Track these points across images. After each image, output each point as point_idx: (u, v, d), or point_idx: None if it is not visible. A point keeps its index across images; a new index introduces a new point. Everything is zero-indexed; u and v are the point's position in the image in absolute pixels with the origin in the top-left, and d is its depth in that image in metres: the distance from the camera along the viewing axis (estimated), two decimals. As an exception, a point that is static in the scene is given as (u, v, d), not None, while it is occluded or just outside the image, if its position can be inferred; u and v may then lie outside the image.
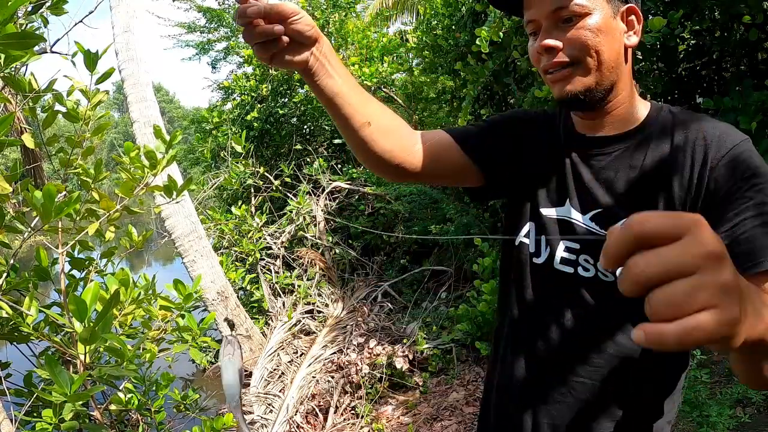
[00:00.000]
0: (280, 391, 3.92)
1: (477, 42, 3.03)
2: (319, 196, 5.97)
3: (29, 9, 1.60)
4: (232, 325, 0.93)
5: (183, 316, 1.78)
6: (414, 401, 3.54)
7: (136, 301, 1.63)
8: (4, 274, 1.50)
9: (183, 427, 2.66)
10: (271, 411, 3.71)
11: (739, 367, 0.64)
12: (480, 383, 3.53)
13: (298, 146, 6.56)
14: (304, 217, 5.77)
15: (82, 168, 1.66)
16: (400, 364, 3.74)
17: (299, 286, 5.17)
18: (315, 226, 5.77)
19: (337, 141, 6.82)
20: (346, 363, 3.92)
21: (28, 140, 1.63)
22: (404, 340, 4.05)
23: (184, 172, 9.45)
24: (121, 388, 1.83)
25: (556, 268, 0.91)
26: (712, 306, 0.37)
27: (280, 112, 6.57)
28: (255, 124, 6.45)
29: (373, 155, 0.90)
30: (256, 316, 5.17)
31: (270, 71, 6.50)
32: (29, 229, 1.51)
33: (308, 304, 5.09)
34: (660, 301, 0.37)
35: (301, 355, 4.38)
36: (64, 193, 1.65)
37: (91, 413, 1.69)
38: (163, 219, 4.55)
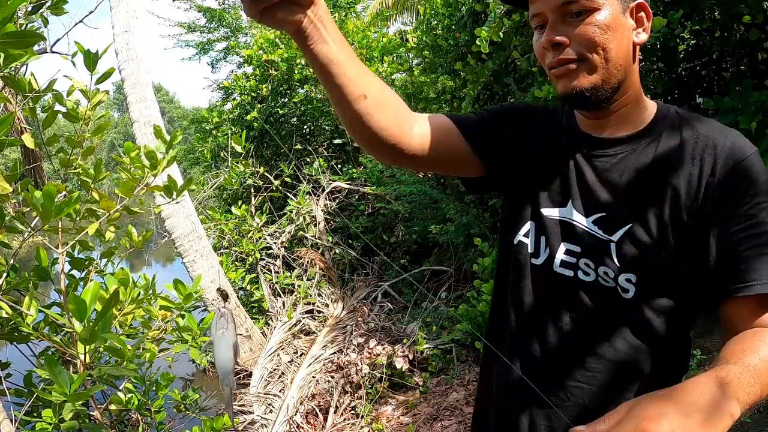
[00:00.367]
0: (280, 391, 3.92)
1: (477, 42, 3.03)
2: (319, 196, 5.97)
3: (29, 9, 1.60)
4: (225, 296, 0.90)
5: (183, 316, 1.78)
6: (414, 401, 3.54)
7: (136, 301, 1.63)
8: (4, 274, 1.50)
9: (183, 427, 2.66)
10: (271, 411, 3.71)
11: None
12: (480, 383, 3.52)
13: (298, 146, 6.57)
14: (304, 217, 5.77)
15: (82, 168, 1.66)
16: (400, 364, 3.74)
17: (299, 286, 5.17)
18: (315, 226, 5.77)
19: (337, 141, 6.82)
20: (346, 363, 3.92)
21: (28, 140, 1.63)
22: (404, 340, 4.05)
23: (184, 172, 9.45)
24: (121, 388, 1.83)
25: (555, 271, 0.89)
26: None
27: (280, 112, 6.57)
28: (255, 124, 6.45)
29: (368, 131, 0.84)
30: (256, 316, 5.17)
31: (270, 71, 6.51)
32: (29, 229, 1.51)
33: (308, 304, 5.09)
34: None
35: (301, 355, 4.38)
36: (64, 193, 1.65)
37: (91, 413, 1.69)
38: (163, 219, 4.55)
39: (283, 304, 5.15)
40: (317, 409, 3.65)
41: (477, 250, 4.08)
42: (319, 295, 5.17)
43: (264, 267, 5.55)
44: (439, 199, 5.32)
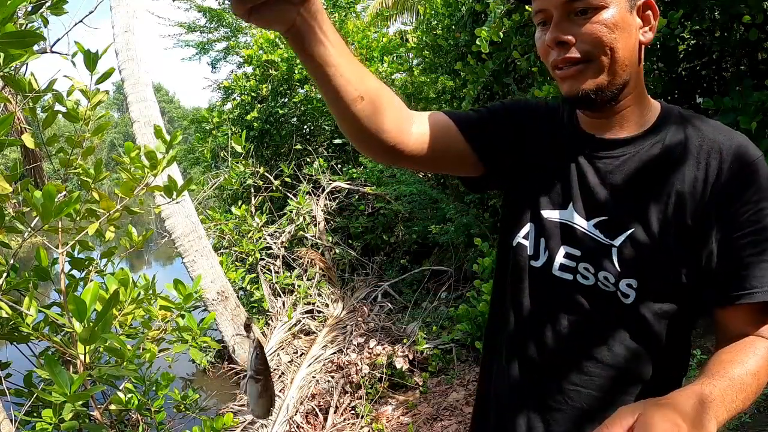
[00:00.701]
0: (280, 391, 3.92)
1: (477, 42, 3.03)
2: (319, 196, 5.98)
3: (29, 9, 1.60)
4: (248, 328, 0.89)
5: (183, 316, 1.78)
6: (414, 401, 3.54)
7: (136, 301, 1.63)
8: (4, 274, 1.50)
9: (183, 427, 2.66)
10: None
11: None
12: (480, 383, 3.52)
13: (298, 146, 6.57)
14: (304, 217, 5.77)
15: (82, 168, 1.66)
16: (400, 364, 3.74)
17: (299, 286, 5.17)
18: (315, 226, 5.77)
19: (337, 141, 6.82)
20: (346, 363, 3.92)
21: (28, 140, 1.63)
22: (404, 340, 4.05)
23: (184, 172, 9.45)
24: (121, 388, 1.83)
25: (554, 274, 0.88)
26: None
27: (280, 112, 6.57)
28: (255, 124, 6.45)
29: (366, 134, 0.81)
30: (256, 316, 5.17)
31: (270, 71, 6.51)
32: (29, 229, 1.51)
33: (308, 304, 5.09)
34: None
35: (301, 355, 4.38)
36: (64, 193, 1.65)
37: (91, 413, 1.69)
38: (163, 219, 4.55)
39: (283, 304, 5.15)
40: (317, 409, 3.65)
41: (477, 250, 4.08)
42: (319, 295, 5.17)
43: (264, 267, 5.55)
44: (439, 199, 5.32)
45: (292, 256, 5.57)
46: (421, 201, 5.40)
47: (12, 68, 1.28)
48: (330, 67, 0.72)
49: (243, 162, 6.22)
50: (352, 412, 3.57)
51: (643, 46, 0.81)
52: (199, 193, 6.42)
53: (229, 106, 7.17)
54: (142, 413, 1.87)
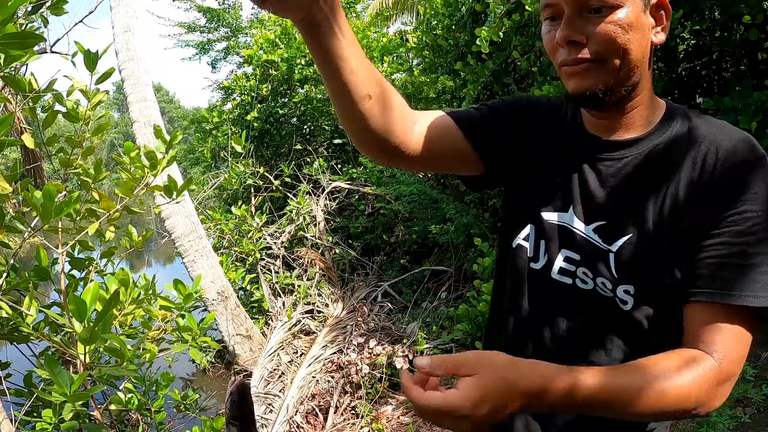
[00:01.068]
0: (280, 391, 3.92)
1: (477, 42, 3.03)
2: (319, 196, 5.98)
3: (29, 9, 1.60)
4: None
5: (183, 316, 1.78)
6: (414, 401, 3.54)
7: (136, 301, 1.63)
8: (4, 274, 1.50)
9: (183, 427, 2.66)
10: (271, 411, 3.71)
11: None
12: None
13: (298, 146, 6.57)
14: (304, 217, 5.77)
15: (82, 168, 1.66)
16: (400, 364, 3.74)
17: (299, 286, 5.17)
18: (315, 226, 5.77)
19: (337, 141, 6.82)
20: (346, 363, 3.92)
21: (28, 140, 1.63)
22: (404, 340, 4.05)
23: (184, 172, 9.45)
24: (121, 388, 1.83)
25: (553, 278, 0.87)
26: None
27: (280, 112, 6.57)
28: (255, 124, 6.45)
29: (371, 133, 0.80)
30: (256, 316, 5.17)
31: (270, 71, 6.51)
32: (29, 229, 1.51)
33: (308, 304, 5.09)
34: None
35: (301, 355, 4.38)
36: (64, 193, 1.65)
37: (91, 413, 1.69)
38: (163, 219, 4.55)
39: (283, 304, 5.15)
40: (317, 409, 3.65)
41: (477, 250, 4.08)
42: (319, 295, 5.17)
43: (264, 267, 5.55)
44: (439, 199, 5.32)
45: (292, 256, 5.57)
46: (421, 201, 5.40)
47: (12, 68, 1.28)
48: (341, 60, 0.71)
49: (243, 162, 6.22)
50: (352, 412, 3.57)
51: (653, 47, 0.79)
52: (199, 193, 6.42)
53: (229, 106, 7.17)
54: (142, 413, 1.87)
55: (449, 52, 4.22)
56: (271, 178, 6.27)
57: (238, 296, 4.97)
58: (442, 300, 4.73)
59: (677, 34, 2.55)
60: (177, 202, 3.39)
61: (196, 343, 1.78)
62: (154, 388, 1.87)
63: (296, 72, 6.32)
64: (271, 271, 5.49)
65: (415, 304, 4.80)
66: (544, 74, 3.06)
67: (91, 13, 4.28)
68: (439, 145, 0.88)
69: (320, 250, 5.57)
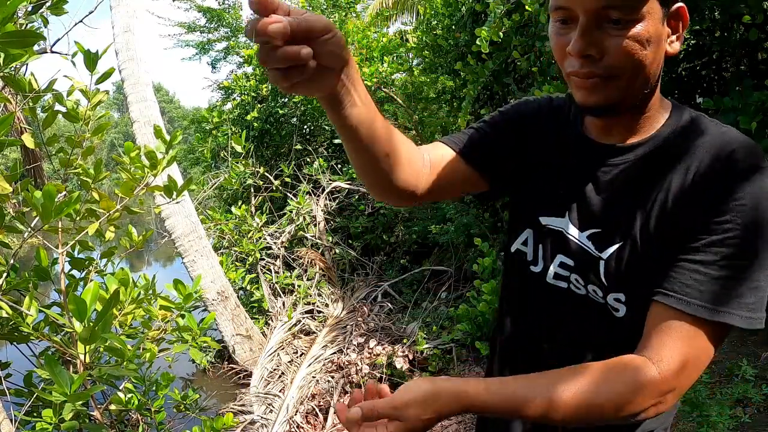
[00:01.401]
0: (280, 391, 3.92)
1: (477, 42, 3.02)
2: (319, 196, 5.97)
3: (29, 9, 1.60)
4: None
5: (183, 316, 1.78)
6: (414, 401, 3.54)
7: (136, 301, 1.63)
8: (4, 274, 1.50)
9: (183, 427, 2.67)
10: (271, 411, 3.71)
11: None
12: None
13: (298, 146, 6.57)
14: (304, 217, 5.77)
15: (82, 168, 1.66)
16: (400, 364, 3.74)
17: (299, 286, 5.17)
18: (315, 226, 5.77)
19: (337, 141, 6.81)
20: (346, 363, 3.92)
21: (28, 140, 1.63)
22: (404, 340, 4.05)
23: (184, 172, 9.45)
24: (121, 388, 1.83)
25: (548, 282, 0.88)
26: None
27: (280, 112, 6.57)
28: (255, 124, 6.45)
29: (390, 186, 0.82)
30: (256, 316, 5.17)
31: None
32: (29, 229, 1.51)
33: (308, 304, 5.09)
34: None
35: (301, 355, 4.38)
36: (64, 193, 1.65)
37: (91, 413, 1.69)
38: (163, 219, 4.55)
39: (283, 304, 5.15)
40: (317, 409, 3.65)
41: (477, 250, 4.08)
42: (319, 295, 5.17)
43: (264, 267, 5.55)
44: (439, 199, 5.31)
45: (292, 256, 5.57)
46: (421, 201, 5.39)
47: (12, 68, 1.28)
48: (363, 127, 0.72)
49: (243, 162, 6.22)
50: (352, 412, 3.57)
51: (667, 56, 0.75)
52: (199, 193, 6.42)
53: (229, 106, 7.16)
54: (142, 413, 1.87)
55: (449, 52, 4.22)
56: (271, 178, 6.27)
57: (238, 296, 4.96)
58: (442, 300, 4.73)
59: (677, 34, 2.54)
60: (177, 202, 3.39)
61: (196, 343, 1.78)
62: (154, 388, 1.87)
63: (296, 72, 6.30)
64: (271, 271, 5.49)
65: (415, 304, 4.80)
66: (544, 74, 3.06)
67: (91, 13, 4.29)
68: (446, 177, 0.90)
69: (320, 250, 5.57)
